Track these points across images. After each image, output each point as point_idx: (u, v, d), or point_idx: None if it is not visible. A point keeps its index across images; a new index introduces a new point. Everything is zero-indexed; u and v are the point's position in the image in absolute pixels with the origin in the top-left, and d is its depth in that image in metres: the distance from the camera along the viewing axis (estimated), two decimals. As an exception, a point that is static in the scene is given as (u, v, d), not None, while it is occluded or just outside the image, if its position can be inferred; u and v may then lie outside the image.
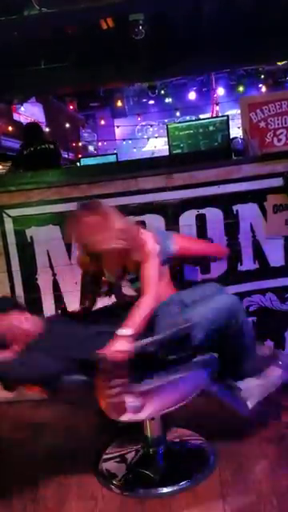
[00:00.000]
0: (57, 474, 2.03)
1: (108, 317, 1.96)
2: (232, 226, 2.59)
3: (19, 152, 4.90)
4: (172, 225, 2.59)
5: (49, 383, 1.69)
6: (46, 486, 1.97)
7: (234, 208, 2.58)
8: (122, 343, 1.64)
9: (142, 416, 1.73)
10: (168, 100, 10.73)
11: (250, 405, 1.84)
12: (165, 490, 1.85)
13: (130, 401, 1.66)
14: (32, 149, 4.55)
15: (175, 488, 1.85)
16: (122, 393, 1.66)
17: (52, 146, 4.73)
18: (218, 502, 1.75)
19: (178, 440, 2.15)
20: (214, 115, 9.25)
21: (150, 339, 1.68)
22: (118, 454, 2.11)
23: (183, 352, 1.75)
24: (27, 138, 4.92)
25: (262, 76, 9.78)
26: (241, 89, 10.02)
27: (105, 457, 2.10)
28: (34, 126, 5.29)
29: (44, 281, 2.70)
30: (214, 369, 1.81)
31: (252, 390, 1.87)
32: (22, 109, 8.74)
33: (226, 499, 1.76)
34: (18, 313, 1.85)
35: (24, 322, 1.79)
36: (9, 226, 2.69)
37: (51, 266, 2.69)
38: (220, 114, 8.87)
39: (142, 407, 1.69)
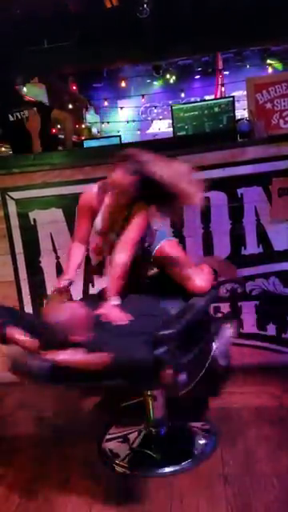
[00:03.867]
0: (60, 454, 2.07)
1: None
2: (236, 210, 2.57)
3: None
4: (176, 208, 2.57)
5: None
6: (49, 465, 2.01)
7: (239, 191, 2.55)
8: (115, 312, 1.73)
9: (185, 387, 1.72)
10: (173, 81, 10.56)
11: (222, 362, 2.04)
12: (167, 469, 1.88)
13: (183, 377, 1.66)
14: (18, 115, 3.76)
15: (177, 468, 1.88)
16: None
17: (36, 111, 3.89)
18: (219, 482, 1.77)
19: (179, 421, 2.17)
20: (219, 96, 9.10)
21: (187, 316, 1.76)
22: (120, 434, 2.14)
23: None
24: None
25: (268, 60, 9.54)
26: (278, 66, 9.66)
27: (107, 437, 2.13)
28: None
29: (48, 264, 2.71)
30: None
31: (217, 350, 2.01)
32: (25, 89, 8.63)
33: (226, 479, 1.78)
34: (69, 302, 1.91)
35: (80, 309, 1.75)
36: (12, 208, 2.68)
37: (54, 249, 2.69)
38: (225, 95, 8.72)
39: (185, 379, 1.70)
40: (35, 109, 3.74)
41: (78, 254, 2.03)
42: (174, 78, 10.43)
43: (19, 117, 3.71)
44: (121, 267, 1.83)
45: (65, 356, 1.57)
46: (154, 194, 1.76)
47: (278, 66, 9.64)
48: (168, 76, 10.37)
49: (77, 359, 1.57)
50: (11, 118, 3.74)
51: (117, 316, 1.72)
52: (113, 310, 1.75)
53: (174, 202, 1.78)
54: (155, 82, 10.77)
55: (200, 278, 1.98)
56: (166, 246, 1.99)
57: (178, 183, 1.71)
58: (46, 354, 1.58)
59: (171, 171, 1.73)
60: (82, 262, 2.09)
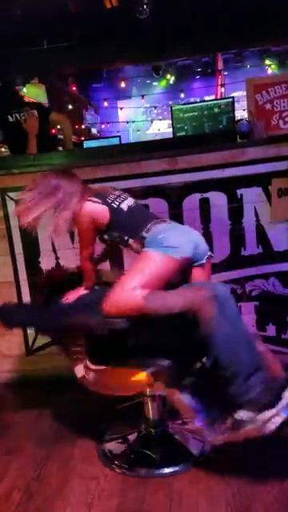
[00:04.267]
0: (59, 454, 2.07)
1: None
2: (236, 210, 2.57)
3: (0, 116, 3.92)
4: (175, 209, 2.57)
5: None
6: (48, 465, 2.01)
7: (239, 192, 2.55)
8: None
9: None
10: (172, 81, 10.56)
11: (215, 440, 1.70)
12: (166, 470, 1.88)
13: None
14: (18, 116, 3.73)
15: (176, 468, 1.88)
16: None
17: (36, 113, 3.75)
18: (219, 482, 1.77)
19: (179, 421, 2.17)
20: (219, 97, 9.11)
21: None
22: (119, 434, 2.14)
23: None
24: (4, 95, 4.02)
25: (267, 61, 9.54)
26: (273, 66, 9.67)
27: (107, 437, 2.13)
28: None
29: (47, 264, 2.71)
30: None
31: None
32: (24, 90, 8.63)
33: (226, 480, 1.79)
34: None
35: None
36: (12, 209, 2.68)
37: (54, 250, 2.69)
38: (225, 96, 8.74)
39: None
40: (34, 110, 3.75)
41: (89, 275, 2.03)
42: (173, 78, 10.45)
43: (18, 118, 3.71)
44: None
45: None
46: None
47: (274, 67, 9.66)
48: (168, 76, 10.38)
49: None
50: (10, 119, 3.74)
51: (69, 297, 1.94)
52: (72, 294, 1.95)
53: None
54: (155, 83, 10.77)
55: (113, 299, 1.71)
56: (142, 254, 1.82)
57: None
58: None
59: None
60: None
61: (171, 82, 10.47)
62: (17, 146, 3.78)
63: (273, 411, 1.56)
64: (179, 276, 1.87)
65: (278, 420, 1.56)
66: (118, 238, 1.93)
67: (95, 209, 1.91)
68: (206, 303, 1.62)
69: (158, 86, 10.81)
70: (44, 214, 1.86)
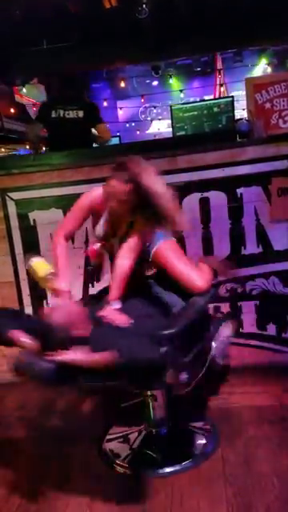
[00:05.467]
0: (61, 454, 2.07)
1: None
2: (236, 210, 2.57)
3: (46, 109, 3.82)
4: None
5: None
6: (50, 465, 2.01)
7: (238, 191, 2.55)
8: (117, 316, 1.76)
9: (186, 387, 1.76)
10: (172, 81, 10.55)
11: (220, 361, 2.00)
12: (167, 469, 1.88)
13: (184, 376, 1.70)
14: (61, 113, 3.65)
15: (177, 468, 1.88)
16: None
17: (81, 114, 3.68)
18: (220, 482, 1.77)
19: (180, 421, 2.17)
20: (218, 96, 9.10)
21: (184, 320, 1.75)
22: (121, 434, 2.14)
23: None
24: (61, 89, 3.96)
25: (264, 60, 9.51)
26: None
27: (108, 437, 2.13)
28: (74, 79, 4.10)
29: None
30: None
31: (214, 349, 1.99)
32: (24, 90, 8.63)
33: (227, 479, 1.79)
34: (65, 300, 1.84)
35: (75, 304, 1.84)
36: (12, 209, 2.69)
37: (54, 250, 2.69)
38: (224, 95, 8.73)
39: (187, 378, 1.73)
40: (39, 124, 3.76)
41: (65, 253, 1.96)
42: (173, 78, 10.43)
43: (61, 114, 3.59)
44: (123, 272, 1.86)
45: (68, 355, 1.56)
46: (147, 206, 1.76)
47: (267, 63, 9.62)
48: (168, 76, 10.36)
49: (81, 358, 1.56)
50: (53, 115, 3.60)
51: (118, 318, 1.73)
52: (114, 313, 1.77)
53: (163, 221, 1.80)
54: (154, 83, 10.76)
55: (200, 278, 1.95)
56: (163, 246, 1.96)
57: (167, 207, 1.74)
58: (52, 355, 1.56)
59: (162, 191, 1.74)
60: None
61: (170, 81, 10.46)
62: (57, 143, 3.71)
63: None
64: None
65: None
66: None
67: None
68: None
69: (169, 85, 10.70)
70: None
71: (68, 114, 3.62)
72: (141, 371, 1.57)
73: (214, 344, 2.00)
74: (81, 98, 3.88)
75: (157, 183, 1.75)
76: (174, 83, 10.54)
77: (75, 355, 1.57)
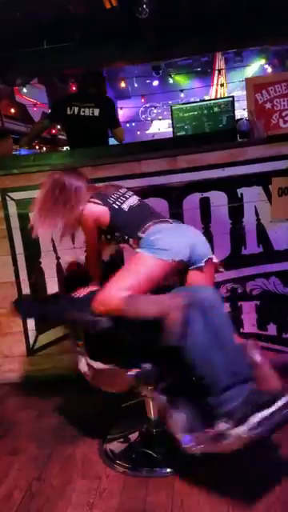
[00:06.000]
0: (61, 454, 2.07)
1: None
2: (236, 210, 2.57)
3: (61, 103, 3.80)
4: (175, 208, 2.57)
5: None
6: (50, 465, 2.01)
7: (239, 191, 2.55)
8: None
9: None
10: (172, 81, 10.57)
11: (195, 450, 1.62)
12: (168, 469, 1.88)
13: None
14: (76, 110, 3.59)
15: (178, 468, 1.88)
16: None
17: (97, 112, 3.61)
18: (220, 482, 1.77)
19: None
20: (217, 97, 9.12)
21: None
22: (121, 434, 2.14)
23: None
24: (80, 86, 3.92)
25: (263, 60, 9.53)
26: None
27: (109, 437, 2.13)
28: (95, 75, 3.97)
29: (48, 264, 2.71)
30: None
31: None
32: (25, 90, 8.64)
33: (227, 479, 1.79)
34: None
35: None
36: (12, 209, 2.69)
37: (55, 250, 2.69)
38: (224, 96, 8.74)
39: None
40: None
41: (96, 269, 2.07)
42: (174, 77, 10.45)
43: (75, 112, 3.53)
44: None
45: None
46: None
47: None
48: (169, 76, 10.38)
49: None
50: (68, 112, 3.55)
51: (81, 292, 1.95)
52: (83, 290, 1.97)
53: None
54: (155, 83, 10.77)
55: (101, 298, 1.72)
56: (137, 254, 1.79)
57: None
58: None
59: None
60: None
61: (171, 81, 10.46)
62: (74, 140, 3.70)
63: (244, 427, 1.47)
64: (175, 278, 1.85)
65: (244, 438, 1.48)
66: (120, 237, 1.94)
67: (96, 210, 1.93)
68: (175, 311, 1.56)
69: (177, 82, 10.67)
70: (57, 220, 1.90)
71: (84, 112, 3.58)
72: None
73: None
74: (98, 95, 3.81)
75: None
76: (181, 79, 10.49)
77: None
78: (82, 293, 1.97)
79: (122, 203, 1.95)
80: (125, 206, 1.94)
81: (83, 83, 3.90)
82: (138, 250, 1.81)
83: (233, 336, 1.71)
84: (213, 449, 1.55)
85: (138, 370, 1.71)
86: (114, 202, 1.94)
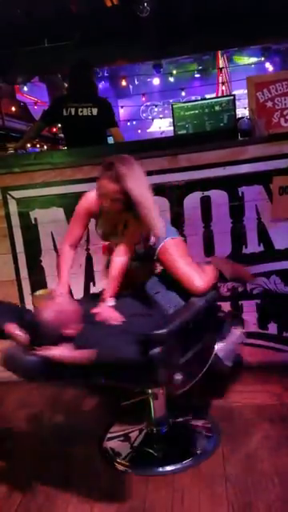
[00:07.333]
0: (61, 452, 2.07)
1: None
2: (237, 209, 2.57)
3: (55, 106, 3.74)
4: (176, 207, 2.57)
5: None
6: (51, 464, 2.01)
7: (240, 190, 2.55)
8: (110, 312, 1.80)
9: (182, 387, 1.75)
10: (173, 79, 10.53)
11: (228, 363, 2.06)
12: (168, 468, 1.88)
13: (178, 377, 1.70)
14: (73, 111, 3.53)
15: (178, 466, 1.88)
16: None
17: (95, 112, 3.57)
18: (221, 481, 1.77)
19: (181, 419, 2.17)
20: (220, 95, 9.09)
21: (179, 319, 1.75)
22: (121, 433, 2.14)
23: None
24: (72, 85, 3.72)
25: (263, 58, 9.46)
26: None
27: (109, 436, 2.13)
28: (83, 67, 3.74)
29: (48, 263, 2.71)
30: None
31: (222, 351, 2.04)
32: (25, 89, 8.64)
33: (228, 478, 1.79)
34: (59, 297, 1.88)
35: (70, 303, 1.84)
36: (13, 207, 2.69)
37: (55, 248, 2.69)
38: (229, 93, 8.71)
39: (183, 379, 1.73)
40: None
41: (69, 261, 2.02)
42: (174, 76, 10.41)
43: (72, 113, 3.48)
44: (118, 269, 1.90)
45: (55, 351, 1.60)
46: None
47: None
48: (169, 74, 10.34)
49: (64, 355, 1.60)
50: (65, 113, 3.50)
51: (110, 316, 1.76)
52: (107, 310, 1.80)
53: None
54: (156, 81, 10.73)
55: (199, 279, 1.94)
56: (168, 243, 1.98)
57: (145, 214, 1.78)
58: (38, 350, 1.61)
59: (143, 196, 1.78)
60: (71, 267, 2.06)
61: (171, 80, 10.42)
62: (72, 140, 3.68)
63: None
64: None
65: None
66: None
67: None
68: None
69: (160, 84, 10.66)
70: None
71: (82, 112, 3.56)
72: (121, 370, 1.60)
73: (218, 345, 2.00)
74: (95, 95, 3.80)
75: (140, 187, 1.77)
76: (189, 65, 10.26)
77: (57, 351, 1.61)
78: (111, 312, 1.82)
79: None
80: None
81: (73, 79, 3.81)
82: (166, 239, 1.97)
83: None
84: None
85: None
86: None
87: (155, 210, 1.82)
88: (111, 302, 1.87)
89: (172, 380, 1.66)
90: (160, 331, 1.62)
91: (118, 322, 1.73)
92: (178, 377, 1.67)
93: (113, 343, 1.59)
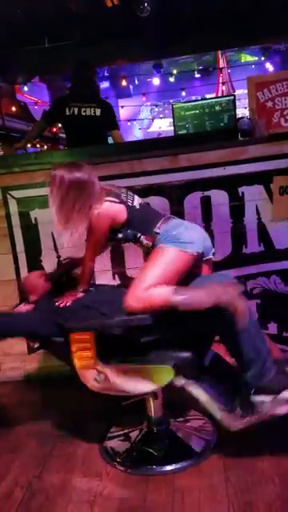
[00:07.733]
0: (62, 452, 2.07)
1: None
2: (237, 209, 2.57)
3: (58, 105, 3.73)
4: (176, 207, 2.57)
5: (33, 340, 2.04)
6: (50, 463, 2.01)
7: (240, 190, 2.55)
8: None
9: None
10: (173, 79, 10.54)
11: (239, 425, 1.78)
12: (168, 467, 1.88)
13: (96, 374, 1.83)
14: (76, 110, 3.53)
15: (178, 466, 1.88)
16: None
17: (98, 112, 3.57)
18: (221, 480, 1.77)
19: (181, 419, 2.17)
20: (221, 95, 9.09)
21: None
22: (122, 432, 2.14)
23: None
24: (75, 85, 3.71)
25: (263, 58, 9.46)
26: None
27: (109, 435, 2.13)
28: (85, 67, 3.76)
29: (48, 262, 2.71)
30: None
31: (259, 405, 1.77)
32: (26, 88, 8.64)
33: (228, 477, 1.79)
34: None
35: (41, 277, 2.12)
36: (13, 207, 2.69)
37: (55, 248, 2.69)
38: (229, 93, 8.71)
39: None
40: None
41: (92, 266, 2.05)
42: (174, 76, 10.42)
43: (75, 112, 3.49)
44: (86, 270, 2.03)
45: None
46: None
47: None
48: (170, 74, 10.35)
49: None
50: (67, 112, 3.51)
51: (65, 299, 1.95)
52: (69, 295, 1.96)
53: None
54: (156, 81, 10.74)
55: (136, 294, 1.71)
56: (158, 249, 1.83)
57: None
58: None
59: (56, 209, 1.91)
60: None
61: (172, 80, 10.42)
62: (73, 140, 3.67)
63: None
64: (193, 271, 1.89)
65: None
66: (132, 235, 1.93)
67: (114, 208, 1.90)
68: (238, 299, 1.67)
69: (160, 83, 10.68)
70: (77, 224, 1.89)
71: (85, 112, 3.56)
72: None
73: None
74: (98, 96, 3.79)
75: (54, 204, 1.91)
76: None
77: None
78: (69, 299, 1.94)
79: (132, 201, 1.97)
80: (136, 204, 1.97)
81: (76, 79, 3.81)
82: (161, 244, 1.83)
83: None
84: (259, 419, 1.76)
85: (175, 362, 1.74)
86: (127, 200, 1.95)
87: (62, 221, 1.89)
88: (81, 289, 1.99)
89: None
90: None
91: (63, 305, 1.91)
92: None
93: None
